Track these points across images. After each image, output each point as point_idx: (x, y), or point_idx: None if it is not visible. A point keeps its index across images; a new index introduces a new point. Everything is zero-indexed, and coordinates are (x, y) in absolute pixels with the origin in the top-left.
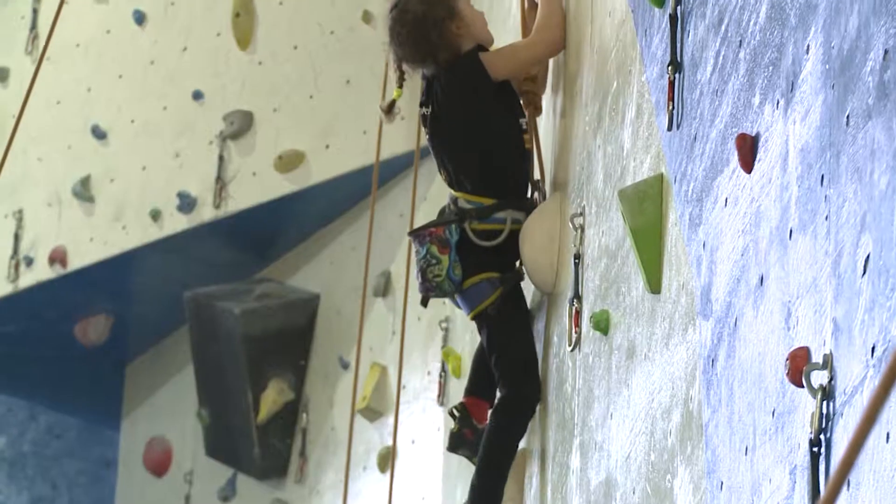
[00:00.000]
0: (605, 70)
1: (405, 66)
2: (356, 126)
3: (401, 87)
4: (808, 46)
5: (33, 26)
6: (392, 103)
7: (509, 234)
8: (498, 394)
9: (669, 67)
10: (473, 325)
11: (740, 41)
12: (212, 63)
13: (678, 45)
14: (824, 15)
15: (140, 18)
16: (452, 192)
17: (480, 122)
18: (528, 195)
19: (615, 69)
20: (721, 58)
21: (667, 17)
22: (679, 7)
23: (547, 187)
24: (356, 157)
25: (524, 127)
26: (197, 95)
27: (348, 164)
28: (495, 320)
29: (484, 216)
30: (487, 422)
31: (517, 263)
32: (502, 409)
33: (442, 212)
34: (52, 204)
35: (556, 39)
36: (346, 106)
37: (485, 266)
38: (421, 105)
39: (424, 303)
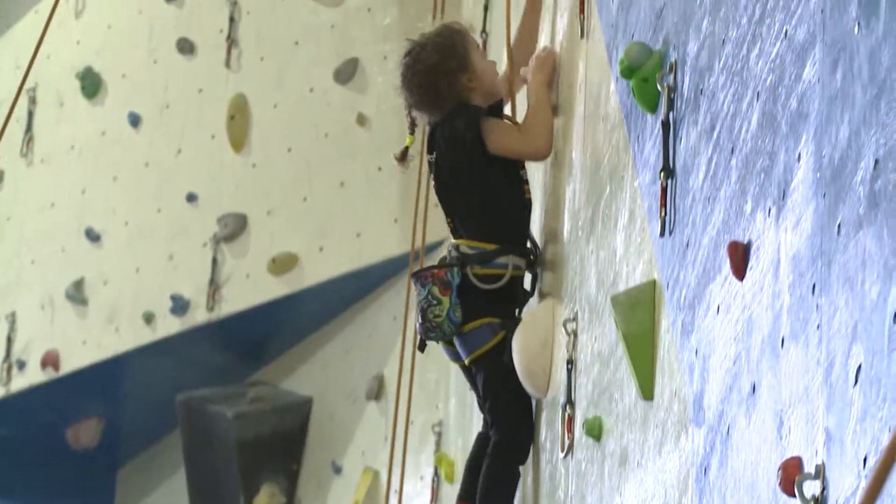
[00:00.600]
0: (597, 175)
1: (415, 114)
2: (350, 229)
3: (412, 133)
4: (800, 154)
5: (28, 128)
6: (405, 150)
7: (510, 279)
8: (492, 438)
9: (662, 173)
10: (465, 428)
11: (732, 148)
12: (206, 165)
13: (670, 151)
14: (815, 123)
15: (135, 121)
16: (453, 239)
17: (480, 174)
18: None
19: (608, 174)
20: (713, 164)
21: (659, 123)
22: (671, 113)
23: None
24: (350, 260)
25: (525, 178)
26: (191, 198)
27: (342, 267)
28: (492, 365)
29: (486, 261)
30: (483, 468)
31: (516, 310)
32: (498, 455)
33: (442, 260)
34: (46, 307)
35: (543, 147)
36: (340, 208)
37: (485, 311)
38: (428, 152)
39: (422, 347)
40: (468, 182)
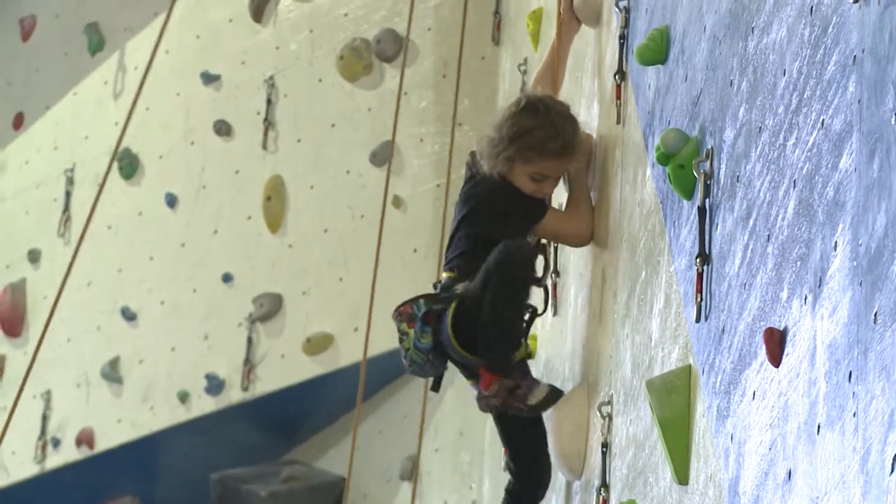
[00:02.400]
0: (633, 259)
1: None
2: (385, 309)
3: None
4: (836, 243)
5: (66, 209)
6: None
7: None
8: (514, 484)
9: (698, 259)
10: None
11: (768, 235)
12: (242, 245)
13: (706, 237)
14: (852, 213)
15: (172, 201)
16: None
17: (489, 232)
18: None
19: (643, 259)
20: (749, 251)
21: (695, 209)
22: (707, 200)
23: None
24: (384, 340)
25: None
26: (227, 278)
27: (376, 348)
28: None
29: (447, 287)
30: None
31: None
32: (515, 500)
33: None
34: (81, 385)
35: (585, 234)
36: (375, 289)
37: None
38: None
39: (435, 387)
40: (473, 228)
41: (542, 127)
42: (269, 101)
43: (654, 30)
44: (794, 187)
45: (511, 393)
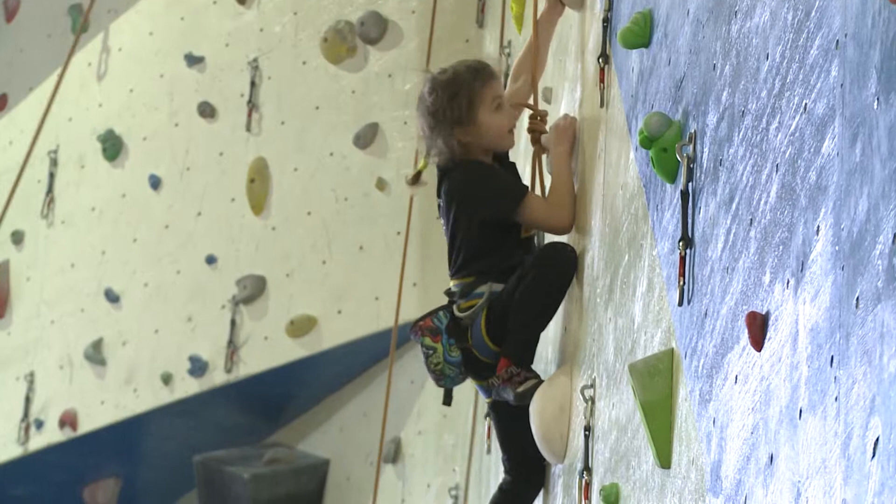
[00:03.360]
0: (616, 243)
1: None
2: (368, 292)
3: (426, 158)
4: (819, 227)
5: (49, 190)
6: (418, 174)
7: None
8: (504, 474)
9: (680, 243)
10: (483, 493)
11: (751, 219)
12: (226, 228)
13: (689, 221)
14: (834, 197)
15: (156, 183)
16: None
17: (477, 220)
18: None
19: (626, 243)
20: (732, 235)
21: (678, 192)
22: (690, 184)
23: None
24: (368, 323)
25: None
26: (210, 260)
27: (360, 330)
28: (516, 411)
29: (466, 293)
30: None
31: None
32: (506, 492)
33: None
34: (64, 367)
35: (566, 220)
36: (358, 272)
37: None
38: (437, 195)
39: (447, 401)
40: (464, 224)
41: (461, 71)
42: (252, 84)
43: (637, 13)
44: (777, 171)
45: (510, 379)
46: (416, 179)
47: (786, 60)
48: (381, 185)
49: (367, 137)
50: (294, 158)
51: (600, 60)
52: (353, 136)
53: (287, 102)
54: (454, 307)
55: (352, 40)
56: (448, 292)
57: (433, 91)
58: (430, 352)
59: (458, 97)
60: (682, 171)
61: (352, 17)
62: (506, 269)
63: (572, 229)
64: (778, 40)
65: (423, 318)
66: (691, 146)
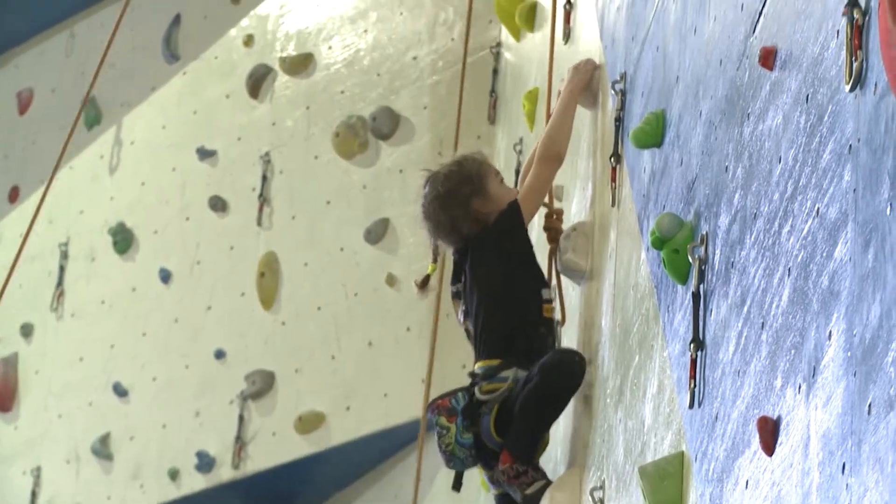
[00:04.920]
0: (626, 343)
1: (437, 241)
2: (377, 389)
3: (434, 261)
4: (831, 332)
5: (59, 283)
6: (426, 279)
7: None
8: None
9: (692, 345)
10: None
11: (762, 323)
12: (235, 322)
13: (700, 323)
14: (846, 302)
15: (166, 277)
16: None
17: (502, 287)
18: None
19: (637, 343)
20: (743, 338)
21: (690, 294)
22: (702, 285)
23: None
24: (377, 420)
25: (545, 297)
26: (219, 354)
27: (368, 427)
28: None
29: (490, 376)
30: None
31: None
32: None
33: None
34: (71, 461)
35: (558, 155)
36: (367, 368)
37: None
38: (452, 283)
39: (456, 486)
40: (489, 297)
41: (460, 157)
42: (264, 178)
43: (649, 113)
44: (789, 275)
45: (517, 477)
46: (424, 283)
47: (798, 164)
48: (391, 280)
49: (377, 232)
50: (304, 253)
51: (612, 160)
52: (363, 231)
53: (298, 197)
54: (476, 388)
55: (363, 135)
56: (471, 374)
57: (438, 177)
58: (444, 432)
59: (468, 175)
60: (694, 272)
61: (364, 113)
62: (531, 353)
63: (561, 162)
64: (791, 143)
65: (441, 397)
66: (703, 248)
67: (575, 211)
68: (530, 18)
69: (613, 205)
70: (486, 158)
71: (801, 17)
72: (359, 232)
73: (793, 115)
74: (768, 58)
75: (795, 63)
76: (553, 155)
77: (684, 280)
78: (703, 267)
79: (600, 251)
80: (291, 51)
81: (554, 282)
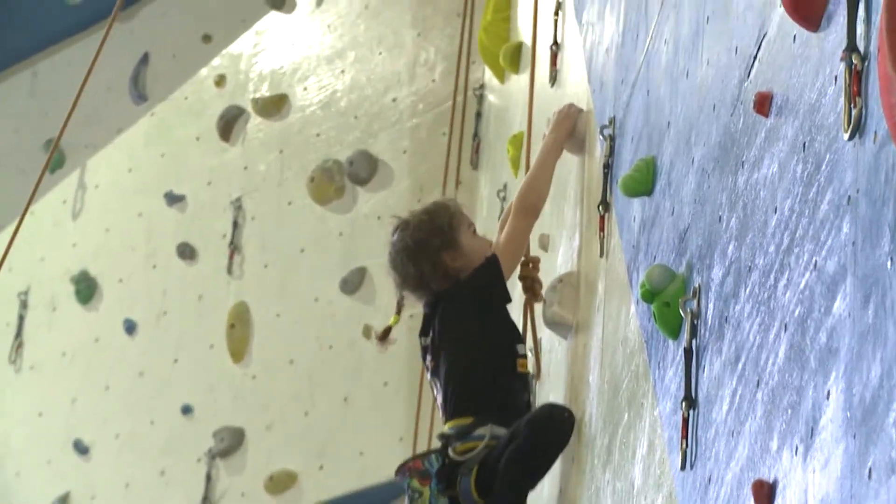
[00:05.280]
0: (615, 401)
1: (404, 293)
2: (353, 447)
3: (398, 313)
4: (829, 392)
5: (18, 334)
6: (387, 330)
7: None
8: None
9: (683, 403)
10: None
11: (758, 381)
12: (203, 376)
13: (693, 380)
14: (846, 360)
15: (131, 328)
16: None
17: (477, 343)
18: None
19: (626, 401)
20: (738, 397)
21: (681, 350)
22: (694, 341)
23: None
24: (351, 479)
25: (520, 352)
26: (186, 410)
27: (342, 487)
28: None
29: (463, 435)
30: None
31: None
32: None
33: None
34: None
35: (535, 206)
36: (342, 425)
37: None
38: (420, 335)
39: None
40: (459, 351)
41: (430, 206)
42: (235, 224)
43: (639, 160)
44: (786, 331)
45: None
46: (385, 335)
47: (795, 215)
48: (367, 332)
49: (354, 282)
50: (277, 303)
51: (600, 208)
52: (339, 280)
53: (271, 244)
54: (449, 450)
55: (340, 180)
56: (442, 436)
57: (408, 227)
58: (416, 495)
59: (440, 225)
60: (686, 327)
61: (340, 156)
62: (506, 409)
63: (537, 216)
64: (787, 193)
65: (412, 458)
66: (695, 301)
67: (561, 261)
68: (515, 59)
69: (602, 255)
70: (459, 207)
71: (798, 61)
72: (334, 281)
73: (789, 164)
74: (763, 103)
75: (792, 109)
76: (530, 207)
77: (676, 335)
78: (695, 321)
79: (588, 304)
80: (265, 91)
81: (529, 332)
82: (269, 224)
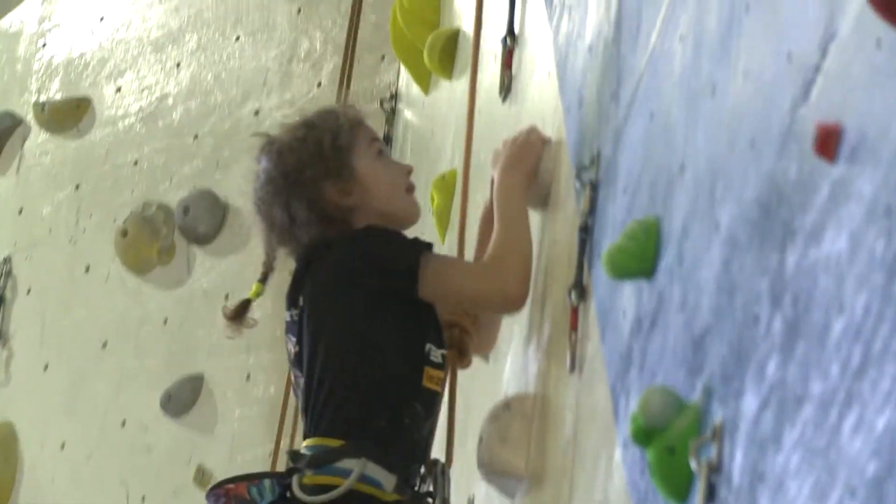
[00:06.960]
0: None
1: (274, 247)
2: None
3: (263, 281)
4: None
5: None
6: (244, 305)
7: (351, 495)
8: None
9: None
10: None
11: None
12: None
13: None
14: None
15: None
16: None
17: (361, 330)
18: (413, 457)
19: None
20: None
21: None
22: None
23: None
24: None
25: (433, 358)
26: None
27: None
28: None
29: (321, 463)
30: None
31: None
32: None
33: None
34: None
35: (513, 288)
36: None
37: None
38: (287, 307)
39: None
40: (338, 345)
41: (312, 114)
42: (1, 300)
43: (635, 221)
44: (853, 498)
45: None
46: (239, 312)
47: (872, 317)
48: (203, 477)
49: (184, 399)
50: (62, 427)
51: (572, 295)
52: (161, 394)
53: (55, 334)
54: (294, 478)
55: (168, 236)
56: (292, 453)
57: (278, 146)
58: None
59: (320, 143)
60: (700, 487)
61: (169, 199)
62: (392, 442)
63: (523, 304)
64: (861, 284)
65: (235, 479)
66: (715, 447)
67: (509, 377)
68: (447, 57)
69: (572, 370)
70: (358, 115)
71: (883, 77)
72: (154, 396)
73: (865, 238)
74: (829, 141)
75: (872, 152)
76: (505, 294)
77: (683, 497)
78: (713, 479)
79: (549, 446)
80: (54, 93)
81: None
82: (53, 302)
